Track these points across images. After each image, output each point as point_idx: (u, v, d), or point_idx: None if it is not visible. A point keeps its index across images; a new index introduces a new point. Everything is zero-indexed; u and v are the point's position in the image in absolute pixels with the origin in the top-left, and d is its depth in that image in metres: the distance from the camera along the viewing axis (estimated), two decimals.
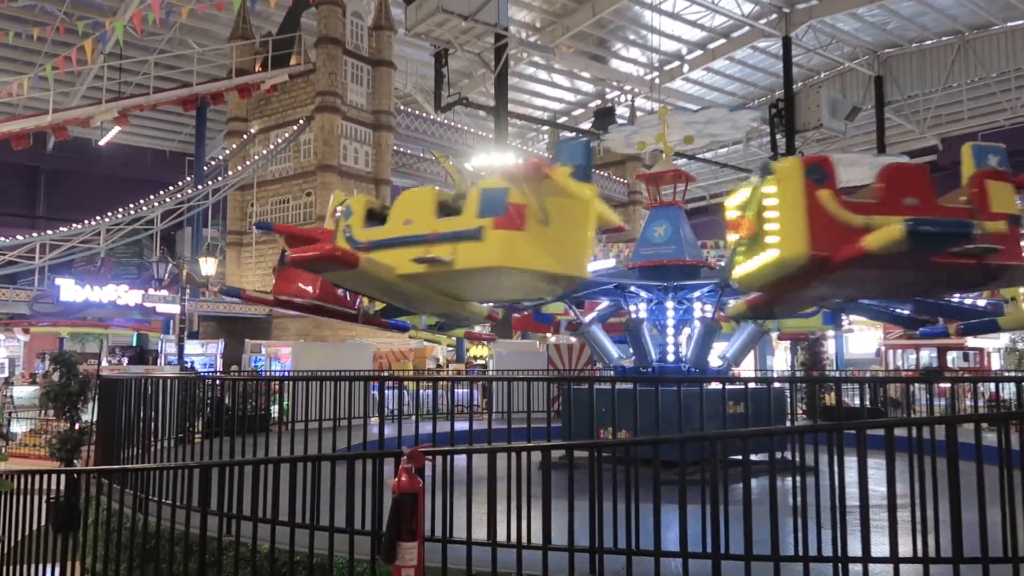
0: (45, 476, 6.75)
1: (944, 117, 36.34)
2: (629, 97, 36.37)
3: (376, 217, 8.21)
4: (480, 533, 4.65)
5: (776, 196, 7.33)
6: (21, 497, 6.41)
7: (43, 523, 6.70)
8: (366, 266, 6.96)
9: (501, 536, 4.55)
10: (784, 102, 31.35)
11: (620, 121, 32.85)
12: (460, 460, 5.09)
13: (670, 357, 10.75)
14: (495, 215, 6.75)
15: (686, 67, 34.80)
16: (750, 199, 7.57)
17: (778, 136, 31.71)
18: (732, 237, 7.66)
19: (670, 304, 10.85)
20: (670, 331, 10.92)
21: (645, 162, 34.40)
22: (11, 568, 6.24)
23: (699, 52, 34.25)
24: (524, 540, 4.53)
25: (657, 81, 33.70)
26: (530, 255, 6.67)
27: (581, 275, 7.07)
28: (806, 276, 6.82)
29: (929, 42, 34.35)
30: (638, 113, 34.06)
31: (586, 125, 36.71)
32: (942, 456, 4.10)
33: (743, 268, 7.37)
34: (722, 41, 33.46)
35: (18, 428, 16.15)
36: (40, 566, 6.26)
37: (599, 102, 37.87)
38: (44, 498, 7.00)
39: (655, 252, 10.94)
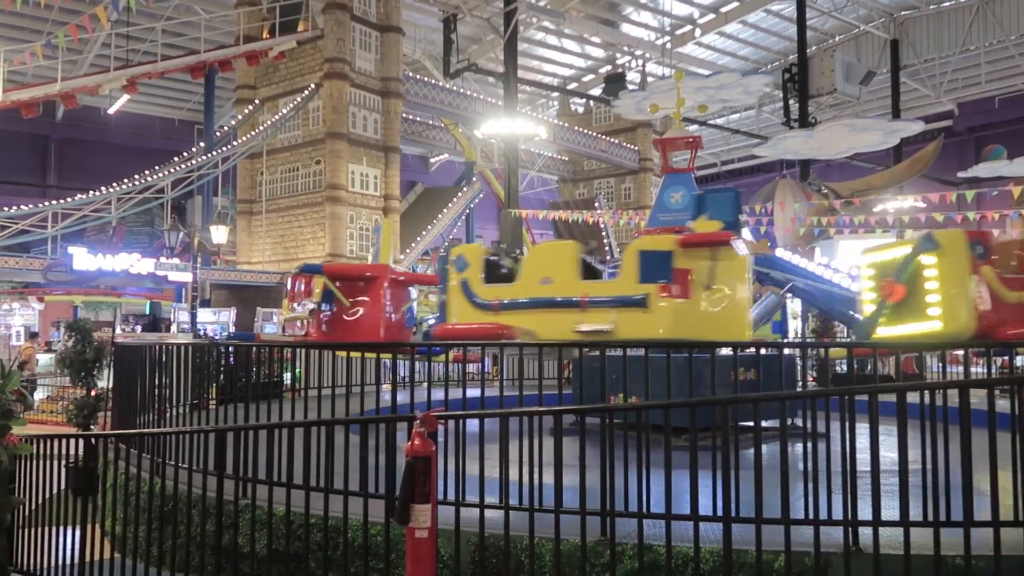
0: (63, 441, 6.84)
1: (961, 81, 35.77)
2: (640, 62, 35.94)
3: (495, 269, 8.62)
4: (493, 497, 4.70)
5: (939, 268, 7.37)
6: (40, 462, 6.51)
7: (62, 487, 6.81)
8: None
9: (513, 500, 4.60)
10: (797, 67, 30.89)
11: (631, 87, 32.49)
12: (472, 426, 5.13)
13: None
14: None
15: (698, 31, 34.31)
16: (903, 265, 7.61)
17: (791, 102, 31.30)
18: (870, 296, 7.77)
19: None
20: None
21: (656, 128, 34.11)
22: (33, 531, 6.36)
23: (711, 16, 33.74)
24: (536, 503, 4.58)
25: (668, 46, 33.26)
26: None
27: None
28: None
29: (947, 3, 33.70)
30: (649, 79, 33.67)
31: (596, 91, 36.35)
32: (954, 423, 4.10)
33: (888, 330, 7.45)
34: (735, 4, 32.93)
35: (35, 395, 16.36)
36: (60, 529, 6.37)
37: (610, 68, 37.44)
38: (63, 463, 7.11)
39: (672, 218, 10.89)
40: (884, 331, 7.46)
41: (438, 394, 6.26)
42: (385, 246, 9.08)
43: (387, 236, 9.11)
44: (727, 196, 8.88)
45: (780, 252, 11.38)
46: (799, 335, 17.44)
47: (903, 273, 7.50)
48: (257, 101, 25.66)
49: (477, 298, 8.43)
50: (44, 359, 19.22)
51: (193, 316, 19.24)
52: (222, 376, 8.91)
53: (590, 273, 8.47)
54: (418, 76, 27.76)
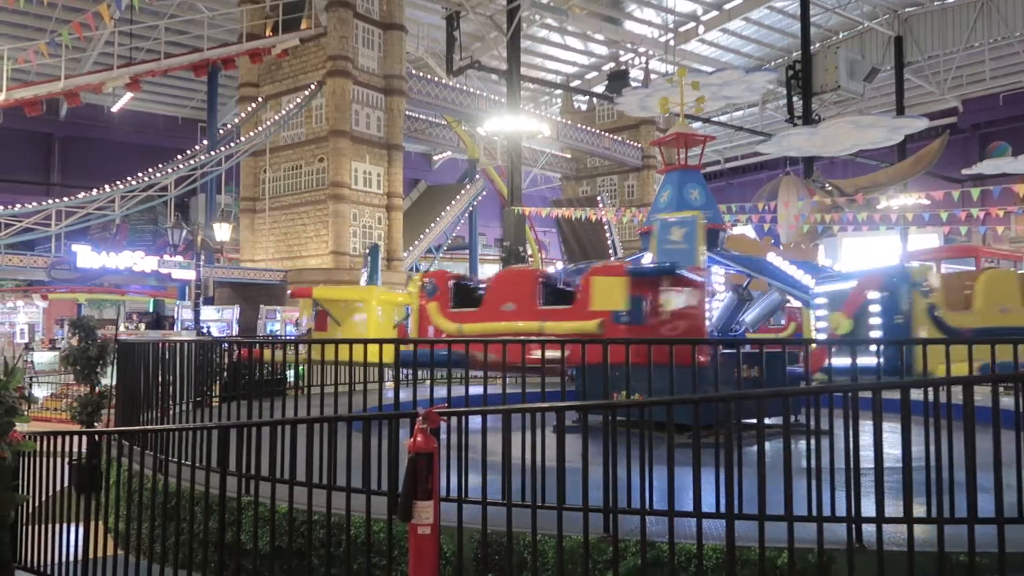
0: (67, 438, 6.84)
1: (965, 78, 35.65)
2: (643, 60, 35.88)
3: None
4: (495, 493, 4.69)
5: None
6: (44, 459, 6.52)
7: (66, 484, 6.82)
8: None
9: (516, 496, 4.59)
10: (801, 63, 30.81)
11: (634, 84, 32.45)
12: (475, 422, 5.13)
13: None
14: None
15: (701, 28, 34.24)
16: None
17: (795, 99, 31.24)
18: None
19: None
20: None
21: (659, 126, 34.06)
22: (36, 527, 6.37)
23: (715, 12, 33.66)
24: (539, 500, 4.57)
25: (672, 43, 33.21)
26: None
27: None
28: None
29: (951, 0, 33.58)
30: (652, 76, 33.61)
31: (599, 88, 36.30)
32: (958, 419, 4.09)
33: None
34: (738, 1, 32.85)
35: (39, 392, 16.41)
36: (64, 526, 6.39)
37: (613, 65, 37.38)
38: (66, 460, 7.12)
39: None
40: None
41: (440, 391, 6.25)
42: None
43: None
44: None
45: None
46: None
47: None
48: (260, 99, 25.66)
49: None
50: (48, 357, 19.27)
51: (196, 314, 19.24)
52: (225, 373, 8.92)
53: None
54: (421, 74, 27.74)
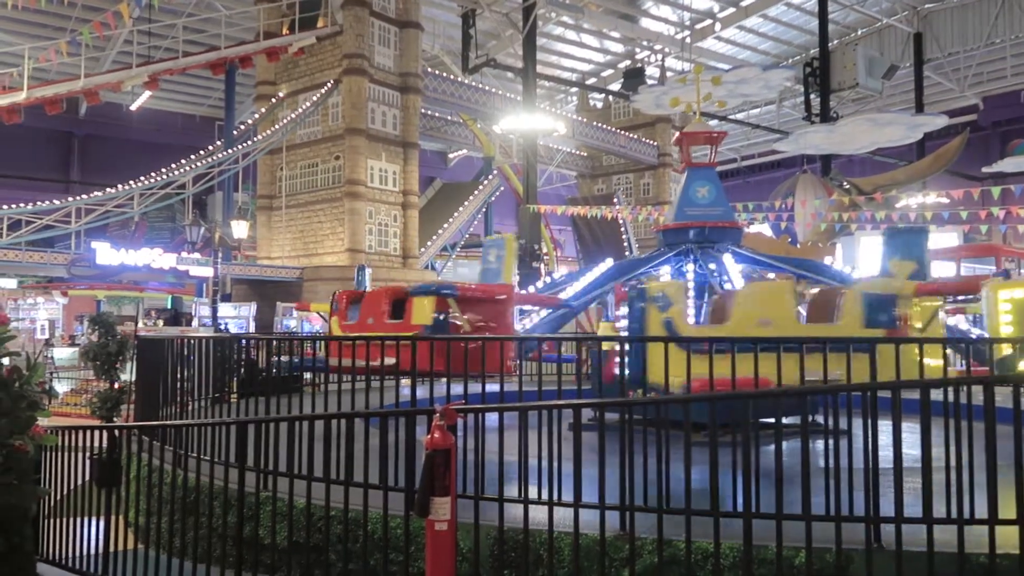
0: (87, 432, 6.91)
1: (986, 75, 35.27)
2: (659, 57, 35.75)
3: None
4: (512, 490, 4.70)
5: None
6: (65, 453, 6.59)
7: (87, 479, 6.90)
8: None
9: (532, 493, 4.60)
10: (819, 60, 30.58)
11: (650, 82, 32.32)
12: (491, 420, 5.13)
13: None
14: None
15: (718, 25, 34.08)
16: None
17: (812, 96, 31.02)
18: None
19: (689, 268, 10.81)
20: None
21: (676, 123, 33.93)
22: (58, 521, 6.44)
23: (732, 9, 33.49)
24: (555, 497, 4.58)
25: (688, 40, 33.07)
26: None
27: None
28: None
29: None
30: (668, 74, 33.48)
31: (615, 86, 36.21)
32: (979, 420, 4.05)
33: None
34: None
35: (60, 388, 16.59)
36: (85, 519, 6.46)
37: (628, 63, 37.28)
38: (87, 455, 7.19)
39: (696, 213, 10.98)
40: None
41: (457, 388, 6.26)
42: None
43: None
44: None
45: None
46: None
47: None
48: (279, 95, 25.79)
49: None
50: (68, 352, 19.46)
51: (214, 311, 19.40)
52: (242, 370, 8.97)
53: None
54: (437, 72, 27.78)
